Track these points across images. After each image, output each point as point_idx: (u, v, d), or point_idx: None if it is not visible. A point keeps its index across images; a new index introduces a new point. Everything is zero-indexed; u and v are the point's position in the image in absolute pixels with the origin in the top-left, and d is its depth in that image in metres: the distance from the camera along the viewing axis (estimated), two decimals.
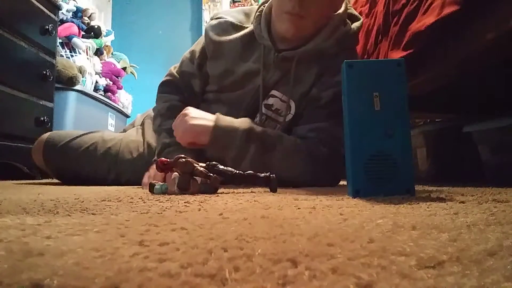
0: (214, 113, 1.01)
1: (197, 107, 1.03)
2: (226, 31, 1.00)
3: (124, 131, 1.28)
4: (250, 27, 0.99)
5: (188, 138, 0.83)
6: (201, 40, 1.07)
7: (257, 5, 1.02)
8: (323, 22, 0.92)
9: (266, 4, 0.98)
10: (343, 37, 0.93)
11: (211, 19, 1.05)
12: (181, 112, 0.85)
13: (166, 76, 1.11)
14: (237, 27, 1.00)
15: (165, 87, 1.09)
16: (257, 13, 0.97)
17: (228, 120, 0.85)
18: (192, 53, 1.07)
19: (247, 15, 1.03)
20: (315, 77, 0.94)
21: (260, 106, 0.97)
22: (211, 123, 0.83)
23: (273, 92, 0.97)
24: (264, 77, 0.96)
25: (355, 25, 0.97)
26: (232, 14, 1.03)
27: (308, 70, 0.94)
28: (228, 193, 0.69)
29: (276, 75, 0.95)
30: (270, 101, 0.97)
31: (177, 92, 1.06)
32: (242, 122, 0.85)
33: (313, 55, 0.92)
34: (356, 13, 1.01)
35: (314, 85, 0.94)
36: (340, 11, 0.94)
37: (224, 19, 1.02)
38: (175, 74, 1.08)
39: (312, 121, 0.92)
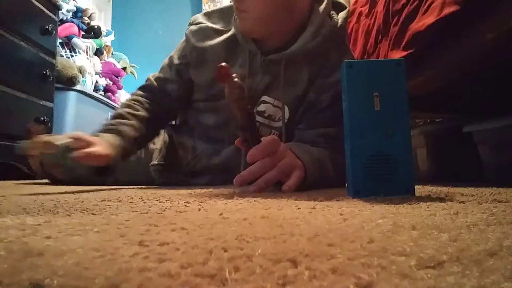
0: (205, 123, 1.01)
1: (175, 113, 1.07)
2: (208, 37, 0.97)
3: None
4: (232, 30, 0.95)
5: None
6: (181, 46, 1.04)
7: None
8: (280, 17, 0.86)
9: None
10: (331, 34, 0.89)
11: (190, 24, 1.02)
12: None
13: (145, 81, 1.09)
14: (218, 32, 0.97)
15: (138, 91, 1.07)
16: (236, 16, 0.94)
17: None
18: (170, 58, 1.05)
19: (227, 17, 0.99)
20: (308, 80, 0.91)
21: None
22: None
23: (264, 97, 0.94)
24: (252, 83, 0.92)
25: (341, 16, 0.92)
26: (212, 20, 1.00)
27: (299, 72, 0.91)
28: (228, 193, 0.69)
29: (265, 79, 0.92)
30: (262, 107, 0.94)
31: (149, 93, 1.04)
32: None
33: (302, 56, 0.89)
34: (340, 0, 0.96)
35: (310, 89, 0.91)
36: (323, 5, 0.90)
37: (204, 24, 0.98)
38: (152, 79, 1.06)
39: (317, 125, 0.90)
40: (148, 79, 1.07)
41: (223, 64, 0.61)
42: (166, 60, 1.06)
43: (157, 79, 1.05)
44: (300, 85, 0.91)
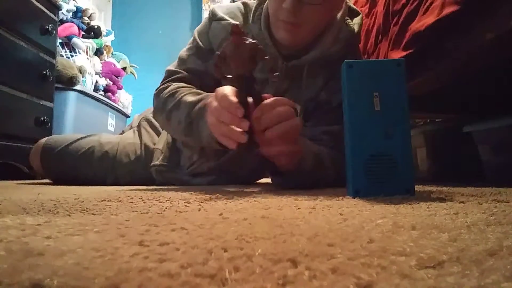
0: None
1: None
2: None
3: (123, 133, 1.28)
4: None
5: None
6: (202, 37, 0.96)
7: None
8: (323, 25, 0.88)
9: (264, 5, 0.90)
10: (349, 39, 0.91)
11: (211, 20, 0.95)
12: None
13: (166, 78, 0.96)
14: None
15: (169, 83, 0.93)
16: (256, 15, 0.91)
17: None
18: (198, 49, 0.95)
19: (245, 14, 0.94)
20: (323, 82, 0.91)
21: None
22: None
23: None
24: (273, 87, 0.90)
25: (356, 21, 0.93)
26: (231, 16, 0.94)
27: (317, 76, 0.91)
28: (228, 193, 0.69)
29: (285, 83, 0.92)
30: None
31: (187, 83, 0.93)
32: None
33: (321, 61, 0.89)
34: (353, 6, 0.97)
35: (323, 89, 0.92)
36: (341, 11, 0.90)
37: (227, 21, 0.93)
38: (180, 71, 0.95)
39: (324, 123, 0.91)
40: (174, 72, 0.95)
41: (237, 25, 0.60)
42: (187, 52, 0.97)
43: (188, 70, 0.95)
44: (316, 87, 0.92)
